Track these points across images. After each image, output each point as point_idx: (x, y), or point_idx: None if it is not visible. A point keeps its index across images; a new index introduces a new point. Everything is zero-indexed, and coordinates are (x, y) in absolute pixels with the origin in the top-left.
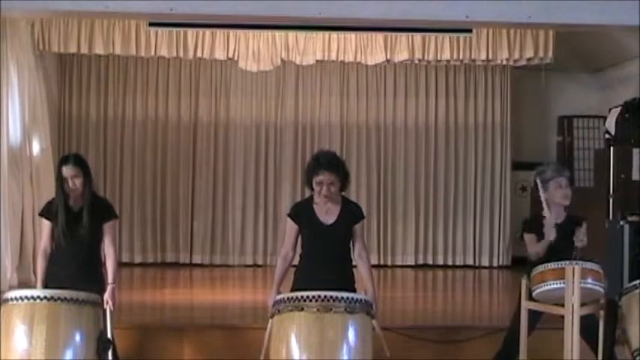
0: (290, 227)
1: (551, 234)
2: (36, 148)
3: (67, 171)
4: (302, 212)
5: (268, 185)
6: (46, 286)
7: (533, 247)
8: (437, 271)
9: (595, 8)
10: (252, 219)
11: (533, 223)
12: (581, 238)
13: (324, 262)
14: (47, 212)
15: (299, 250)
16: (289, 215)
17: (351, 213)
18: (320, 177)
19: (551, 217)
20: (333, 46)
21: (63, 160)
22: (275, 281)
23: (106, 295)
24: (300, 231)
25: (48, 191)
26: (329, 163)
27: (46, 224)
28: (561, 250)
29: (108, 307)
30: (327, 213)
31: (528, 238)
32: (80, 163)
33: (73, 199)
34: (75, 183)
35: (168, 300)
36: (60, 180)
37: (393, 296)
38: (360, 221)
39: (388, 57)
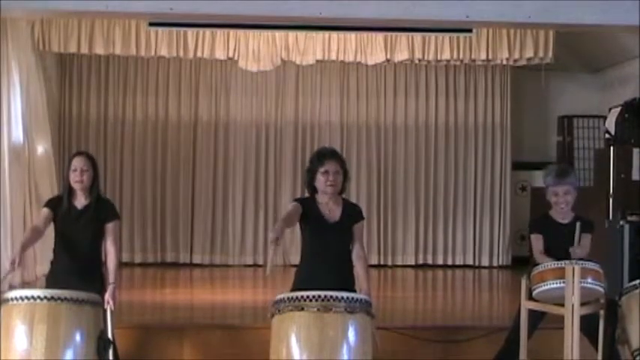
0: (294, 207)
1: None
2: (37, 148)
3: (79, 162)
4: (307, 206)
5: (268, 185)
6: (46, 285)
7: (538, 251)
8: (437, 271)
9: (595, 8)
10: (252, 219)
11: (539, 223)
12: (578, 252)
13: (326, 261)
14: (51, 204)
15: (298, 250)
16: (296, 200)
17: (352, 213)
18: (325, 166)
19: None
20: (333, 46)
21: (76, 153)
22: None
23: (107, 295)
24: (302, 217)
25: (48, 191)
26: (333, 152)
27: (45, 211)
28: (564, 250)
29: (109, 306)
30: (330, 212)
31: (534, 238)
32: (92, 159)
33: (77, 197)
34: (83, 176)
35: (168, 300)
36: (67, 176)
37: (393, 296)
38: (360, 222)
39: (388, 57)
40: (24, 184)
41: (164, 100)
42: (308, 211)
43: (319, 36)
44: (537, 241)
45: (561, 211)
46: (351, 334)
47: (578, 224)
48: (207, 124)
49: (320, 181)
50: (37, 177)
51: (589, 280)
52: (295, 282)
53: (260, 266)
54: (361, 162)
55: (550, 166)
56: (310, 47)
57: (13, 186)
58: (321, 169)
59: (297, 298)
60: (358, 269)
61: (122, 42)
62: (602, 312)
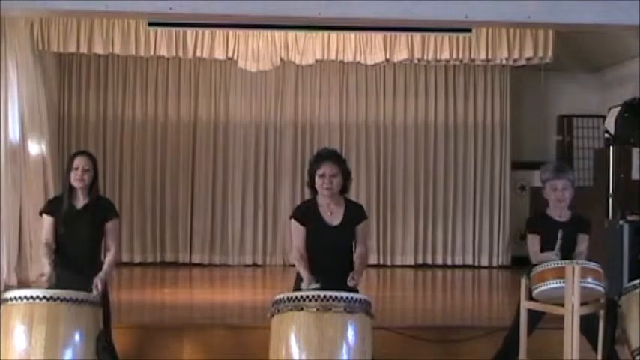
0: (296, 229)
1: (552, 260)
2: (34, 147)
3: (80, 161)
4: (307, 213)
5: (268, 185)
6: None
7: (534, 250)
8: (436, 270)
9: (595, 8)
10: (251, 218)
11: (537, 222)
12: (580, 255)
13: (328, 263)
14: (49, 208)
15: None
16: (294, 217)
17: (354, 215)
18: (322, 169)
19: (555, 254)
20: (332, 45)
21: (77, 153)
22: (303, 268)
23: (96, 278)
24: (304, 223)
25: (41, 191)
26: (330, 154)
27: (47, 219)
28: (562, 249)
29: (96, 290)
30: (332, 214)
31: (531, 237)
32: (93, 159)
33: (77, 197)
34: (84, 175)
35: (167, 299)
36: (67, 175)
37: (393, 296)
38: (363, 222)
39: (388, 57)
40: (20, 183)
41: (163, 99)
42: (309, 217)
43: (319, 36)
44: (534, 240)
45: (559, 208)
46: (351, 334)
47: (560, 232)
48: (207, 124)
49: (317, 183)
50: (31, 176)
51: (589, 280)
52: (296, 282)
53: (259, 266)
54: (361, 162)
55: (547, 164)
56: (310, 47)
57: (9, 186)
58: (319, 172)
59: (296, 297)
60: (355, 263)
61: (121, 42)
62: (601, 312)
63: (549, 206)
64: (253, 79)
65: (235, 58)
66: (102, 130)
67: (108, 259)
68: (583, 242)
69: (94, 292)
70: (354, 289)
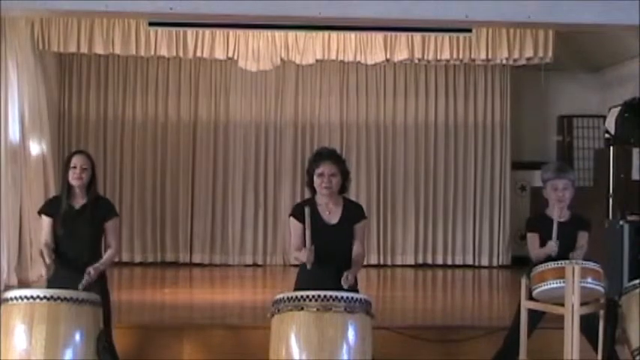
0: (295, 227)
1: (553, 249)
2: (34, 147)
3: (78, 160)
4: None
5: (268, 185)
6: (47, 285)
7: (534, 248)
8: (436, 270)
9: (595, 8)
10: (251, 218)
11: (536, 221)
12: (578, 254)
13: (328, 262)
14: (48, 208)
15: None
16: (293, 215)
17: (352, 214)
18: (321, 168)
19: (555, 242)
20: (332, 45)
21: (75, 152)
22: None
23: (90, 267)
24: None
25: (42, 191)
26: (329, 153)
27: (46, 220)
28: (562, 248)
29: (87, 276)
30: (330, 213)
31: (531, 236)
32: (91, 159)
33: (75, 197)
34: (82, 174)
35: (168, 299)
36: (65, 174)
37: (393, 296)
38: (361, 221)
39: (388, 56)
40: (20, 183)
41: (164, 99)
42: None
43: (319, 36)
44: (534, 240)
45: (559, 207)
46: (351, 334)
47: (555, 221)
48: (207, 123)
49: (316, 182)
50: (32, 176)
51: (589, 280)
52: (297, 282)
53: (259, 266)
54: (361, 162)
55: (548, 163)
56: (310, 47)
57: (9, 185)
58: (317, 171)
59: (296, 297)
60: (352, 261)
61: (122, 41)
62: (601, 312)
63: (549, 206)
64: (253, 79)
65: (235, 58)
66: (102, 130)
67: (107, 253)
68: (583, 238)
69: (85, 278)
70: (354, 289)
